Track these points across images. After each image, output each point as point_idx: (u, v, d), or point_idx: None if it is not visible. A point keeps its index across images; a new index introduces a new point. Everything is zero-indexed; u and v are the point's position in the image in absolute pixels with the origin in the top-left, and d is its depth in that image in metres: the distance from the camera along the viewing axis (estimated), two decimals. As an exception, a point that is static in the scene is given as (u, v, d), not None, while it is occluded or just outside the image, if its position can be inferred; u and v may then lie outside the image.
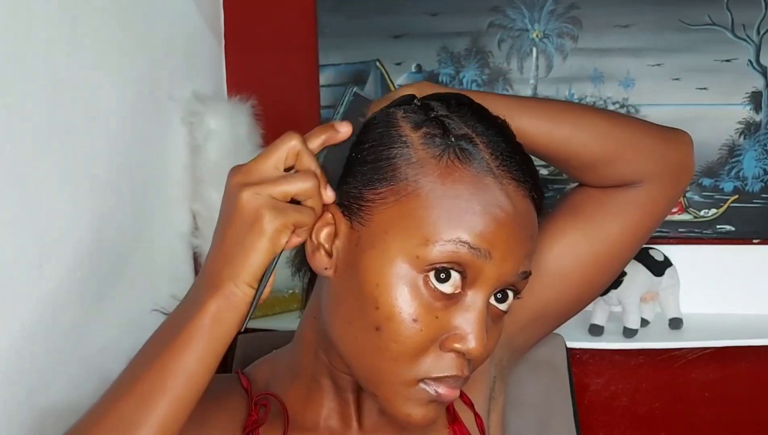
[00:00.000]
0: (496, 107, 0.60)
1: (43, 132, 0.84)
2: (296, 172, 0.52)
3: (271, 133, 1.34)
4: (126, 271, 1.06)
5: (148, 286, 1.15)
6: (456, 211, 0.51)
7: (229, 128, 1.26)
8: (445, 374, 0.53)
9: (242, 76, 1.47)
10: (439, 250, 0.51)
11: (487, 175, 0.53)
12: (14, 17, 0.78)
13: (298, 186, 0.51)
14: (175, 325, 0.52)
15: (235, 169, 0.51)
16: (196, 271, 1.32)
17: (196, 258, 1.31)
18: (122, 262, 1.05)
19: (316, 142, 0.54)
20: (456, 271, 0.52)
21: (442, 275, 0.52)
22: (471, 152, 0.53)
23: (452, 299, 0.52)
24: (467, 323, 0.52)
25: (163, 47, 1.21)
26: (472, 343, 0.52)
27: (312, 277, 0.65)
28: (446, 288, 0.52)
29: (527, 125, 0.63)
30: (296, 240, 0.52)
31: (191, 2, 1.33)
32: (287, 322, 1.27)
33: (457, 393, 0.55)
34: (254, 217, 0.49)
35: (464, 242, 0.51)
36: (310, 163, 0.52)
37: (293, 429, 0.61)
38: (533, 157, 0.60)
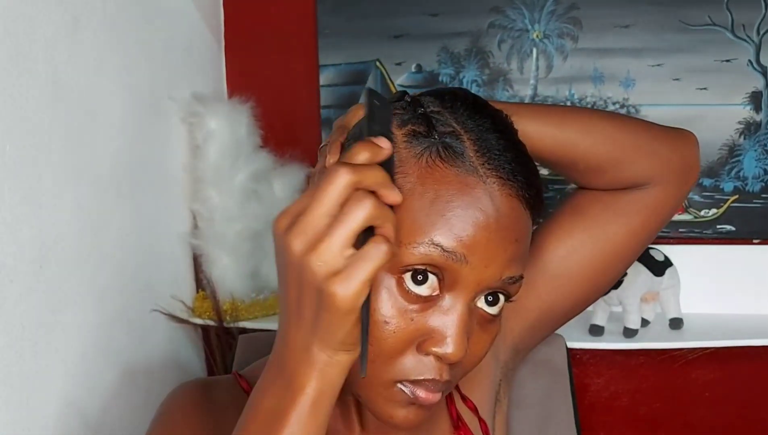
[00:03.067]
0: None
1: (43, 132, 0.84)
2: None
3: (271, 133, 1.34)
4: (126, 271, 1.06)
5: (148, 286, 1.15)
6: (433, 213, 0.50)
7: (228, 129, 1.25)
8: (422, 377, 0.52)
9: (242, 77, 1.47)
10: (411, 253, 0.50)
11: (470, 174, 0.51)
12: (15, 18, 0.78)
13: (358, 218, 0.42)
14: (271, 416, 0.47)
15: (287, 229, 0.44)
16: (196, 271, 1.32)
17: (195, 258, 1.31)
18: (122, 262, 1.05)
19: (361, 161, 0.46)
20: (432, 273, 0.51)
21: (419, 277, 0.50)
22: (455, 150, 0.52)
23: (429, 302, 0.51)
24: (445, 327, 0.51)
25: (163, 48, 1.21)
26: (449, 348, 0.51)
27: None
28: (423, 290, 0.51)
29: (533, 130, 0.61)
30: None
31: (191, 3, 1.33)
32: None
33: (437, 397, 0.53)
34: (326, 292, 0.42)
35: (437, 245, 0.50)
36: (373, 180, 0.43)
37: None
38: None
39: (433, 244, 0.50)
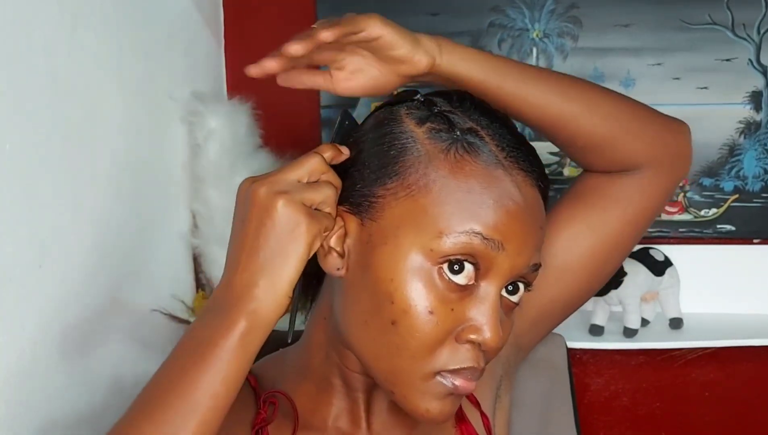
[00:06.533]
0: (510, 70, 0.60)
1: (43, 132, 0.84)
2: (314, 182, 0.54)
3: (271, 133, 1.34)
4: (126, 271, 1.06)
5: (148, 286, 1.15)
6: (469, 204, 0.52)
7: (229, 128, 1.25)
8: (462, 366, 0.53)
9: (242, 76, 1.46)
10: (452, 242, 0.51)
11: (497, 167, 0.53)
12: (14, 17, 0.78)
13: (323, 194, 0.53)
14: (202, 343, 0.51)
15: (255, 180, 0.52)
16: (196, 271, 1.32)
17: (195, 258, 1.31)
18: (122, 262, 1.05)
19: (328, 156, 0.56)
20: (469, 262, 0.52)
21: (456, 267, 0.52)
22: (478, 145, 0.54)
23: (466, 291, 0.53)
24: (481, 314, 0.53)
25: (163, 47, 1.21)
26: (487, 334, 0.52)
27: (308, 281, 0.64)
28: (460, 279, 0.52)
29: (537, 96, 0.62)
30: (320, 242, 0.54)
31: (191, 2, 1.33)
32: (287, 322, 1.27)
33: (473, 385, 0.55)
34: (294, 222, 0.51)
35: (477, 233, 0.51)
36: (331, 177, 0.54)
37: (301, 428, 0.61)
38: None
39: (474, 232, 0.52)
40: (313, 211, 0.52)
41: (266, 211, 0.51)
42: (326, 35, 0.54)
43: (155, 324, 1.16)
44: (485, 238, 0.52)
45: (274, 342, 0.69)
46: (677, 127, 0.69)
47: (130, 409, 0.52)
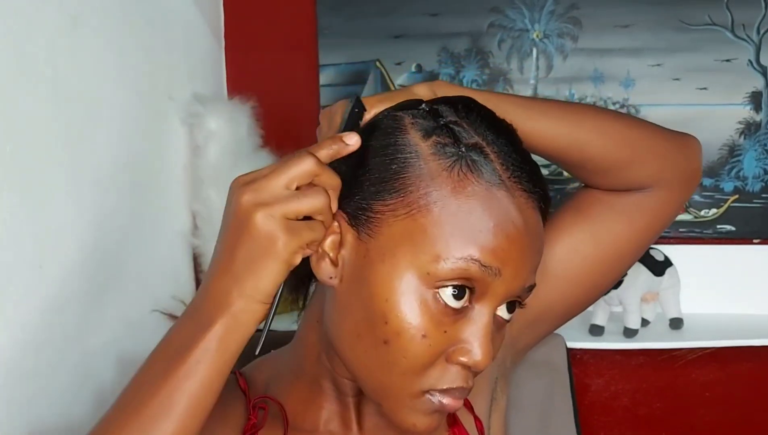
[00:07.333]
0: (514, 108, 0.59)
1: (43, 132, 0.84)
2: (306, 187, 0.51)
3: (271, 133, 1.34)
4: (126, 271, 1.06)
5: (148, 287, 1.15)
6: (468, 227, 0.51)
7: (229, 129, 1.26)
8: (452, 386, 0.53)
9: (242, 77, 1.47)
10: (449, 268, 0.51)
11: (500, 187, 0.52)
12: (14, 17, 0.78)
13: (311, 204, 0.50)
14: (180, 346, 0.51)
15: (243, 184, 0.50)
16: (196, 271, 1.32)
17: (196, 258, 1.31)
18: (122, 262, 1.05)
19: (325, 155, 0.52)
20: (466, 287, 0.52)
21: (454, 292, 0.52)
22: (482, 163, 0.53)
23: (460, 313, 0.52)
24: (474, 337, 0.52)
25: (163, 48, 1.21)
26: (478, 357, 0.52)
27: (298, 280, 0.64)
28: (456, 303, 0.52)
29: (546, 128, 0.61)
30: (306, 253, 0.52)
31: (191, 2, 1.33)
32: (287, 322, 1.27)
33: (461, 403, 0.55)
34: (269, 239, 0.49)
35: (476, 260, 0.51)
36: (326, 179, 0.51)
37: (292, 431, 0.61)
38: (541, 160, 0.59)
39: (472, 259, 0.51)
40: (294, 226, 0.49)
41: (245, 223, 0.49)
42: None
43: (155, 324, 1.16)
44: (483, 265, 0.51)
45: (270, 343, 0.69)
46: (687, 144, 0.67)
47: (106, 413, 0.52)
